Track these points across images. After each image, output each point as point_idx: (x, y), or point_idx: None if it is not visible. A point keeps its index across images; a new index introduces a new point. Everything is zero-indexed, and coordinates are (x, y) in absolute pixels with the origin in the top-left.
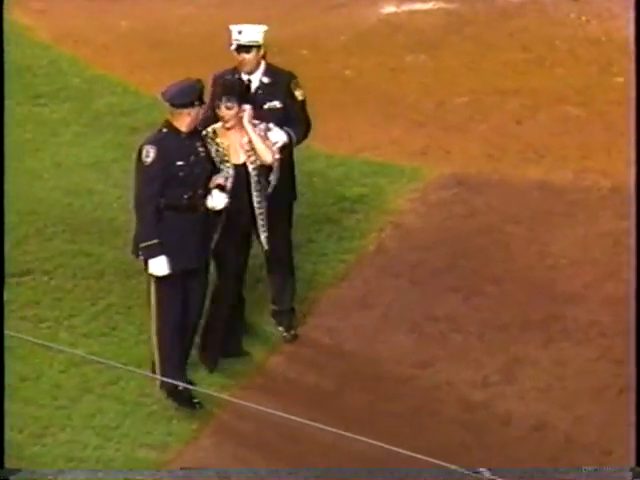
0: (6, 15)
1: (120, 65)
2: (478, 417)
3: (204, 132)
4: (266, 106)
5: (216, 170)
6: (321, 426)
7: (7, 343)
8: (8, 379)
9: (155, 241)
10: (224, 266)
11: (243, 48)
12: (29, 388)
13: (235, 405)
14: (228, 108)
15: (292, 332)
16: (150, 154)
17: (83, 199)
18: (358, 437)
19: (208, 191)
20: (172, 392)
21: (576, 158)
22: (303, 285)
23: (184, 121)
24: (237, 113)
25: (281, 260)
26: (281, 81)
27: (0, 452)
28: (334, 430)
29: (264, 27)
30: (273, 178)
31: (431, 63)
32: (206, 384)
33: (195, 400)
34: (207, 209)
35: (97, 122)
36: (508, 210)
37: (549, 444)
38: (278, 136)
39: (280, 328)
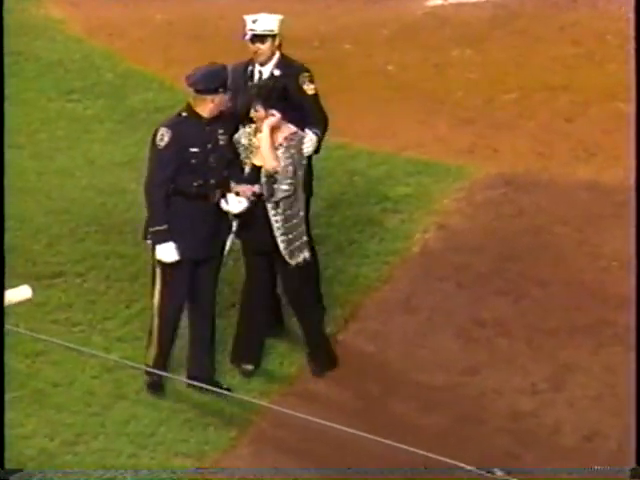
0: (38, 9)
1: (156, 60)
2: (526, 426)
3: (248, 126)
4: None
5: (237, 164)
6: (364, 434)
7: (39, 347)
8: (39, 384)
9: (164, 227)
10: (247, 267)
11: (258, 38)
12: (61, 394)
13: (275, 412)
14: (257, 111)
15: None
16: (165, 138)
17: (116, 198)
18: (401, 446)
19: (224, 187)
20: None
21: (627, 157)
22: (345, 288)
23: (206, 107)
24: (264, 117)
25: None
26: (292, 74)
27: (0, 452)
28: (377, 439)
29: (279, 16)
30: (279, 188)
31: (478, 58)
32: (244, 390)
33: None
34: (221, 197)
35: (131, 119)
36: (557, 210)
37: (601, 454)
38: (313, 144)
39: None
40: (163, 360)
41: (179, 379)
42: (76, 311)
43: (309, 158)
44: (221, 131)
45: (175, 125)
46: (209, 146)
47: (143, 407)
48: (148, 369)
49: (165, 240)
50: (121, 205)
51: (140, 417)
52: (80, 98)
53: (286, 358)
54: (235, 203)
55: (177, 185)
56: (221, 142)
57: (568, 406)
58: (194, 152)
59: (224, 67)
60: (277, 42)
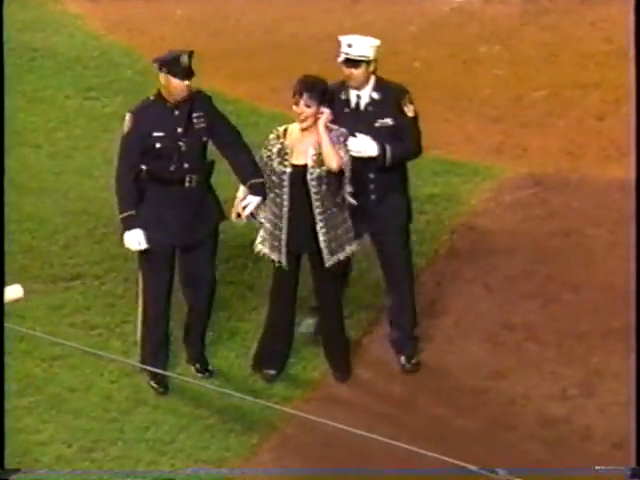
0: (55, 4)
1: None
2: (556, 432)
3: (275, 130)
4: (377, 124)
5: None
6: (390, 441)
7: (56, 352)
8: (56, 389)
9: (130, 212)
10: (277, 268)
11: (351, 62)
12: (79, 399)
13: (298, 418)
14: (307, 106)
15: (413, 361)
16: (127, 123)
17: None
18: (428, 453)
19: (200, 172)
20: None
21: None
22: (370, 291)
23: (168, 90)
24: (315, 113)
25: (397, 274)
26: (391, 97)
27: (0, 452)
28: (403, 445)
29: (377, 41)
30: (347, 188)
31: (506, 55)
32: (266, 395)
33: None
34: (197, 183)
35: None
36: (588, 211)
37: (631, 461)
38: (361, 145)
39: (401, 357)
40: (151, 351)
41: (173, 375)
42: (94, 314)
43: (404, 175)
44: (195, 114)
45: (138, 110)
46: (179, 130)
47: (163, 413)
48: (136, 364)
49: (132, 227)
50: None
51: (160, 423)
52: (99, 96)
53: (310, 362)
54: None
55: (151, 171)
56: (197, 126)
57: (599, 412)
58: (158, 136)
59: (191, 52)
60: (372, 68)
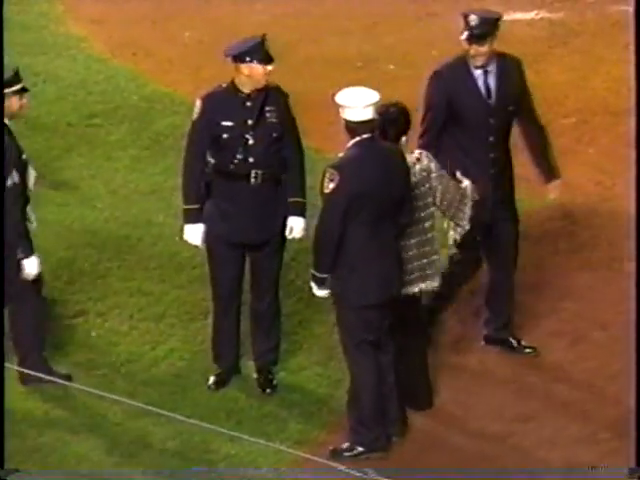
0: (58, 26)
1: (185, 81)
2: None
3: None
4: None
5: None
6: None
7: (58, 392)
8: (57, 432)
9: (194, 206)
10: None
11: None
12: (81, 442)
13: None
14: None
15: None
16: (196, 109)
17: (141, 231)
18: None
19: (267, 169)
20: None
21: None
22: None
23: (242, 79)
24: None
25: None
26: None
27: (0, 452)
28: None
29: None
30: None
31: (534, 79)
32: (280, 439)
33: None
34: (264, 180)
35: (157, 145)
36: (619, 245)
37: (632, 462)
38: None
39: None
40: (220, 341)
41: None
42: (98, 353)
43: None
44: (269, 108)
45: (209, 96)
46: (249, 122)
47: (169, 457)
48: (142, 405)
49: (193, 221)
50: (147, 239)
51: (166, 468)
52: (103, 122)
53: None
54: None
55: (216, 163)
56: (269, 120)
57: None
58: (226, 126)
59: (264, 37)
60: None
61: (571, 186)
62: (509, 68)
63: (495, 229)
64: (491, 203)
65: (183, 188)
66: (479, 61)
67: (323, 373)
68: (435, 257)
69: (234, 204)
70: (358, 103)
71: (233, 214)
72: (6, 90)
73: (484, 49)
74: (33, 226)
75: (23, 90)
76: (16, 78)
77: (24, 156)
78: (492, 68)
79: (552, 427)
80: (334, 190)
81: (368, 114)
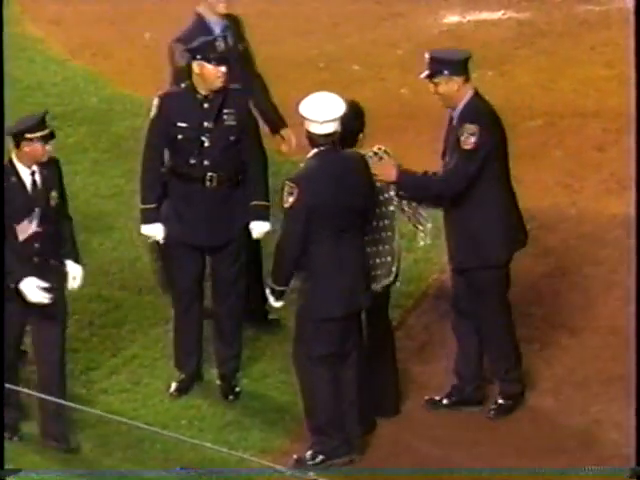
0: (15, 27)
1: (145, 83)
2: None
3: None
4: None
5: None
6: None
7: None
8: (14, 443)
9: (152, 206)
10: None
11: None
12: (39, 452)
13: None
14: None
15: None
16: (154, 108)
17: (102, 236)
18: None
19: (223, 171)
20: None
21: None
22: None
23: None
24: None
25: None
26: None
27: (0, 452)
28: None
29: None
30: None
31: (500, 81)
32: (242, 447)
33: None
34: (219, 183)
35: (118, 148)
36: (587, 250)
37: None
38: None
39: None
40: (181, 343)
41: None
42: None
43: None
44: (227, 110)
45: (166, 95)
46: (206, 124)
47: (130, 466)
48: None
49: (151, 221)
50: (107, 243)
51: (127, 478)
52: (61, 125)
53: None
54: None
55: (172, 164)
56: (227, 122)
57: (597, 465)
58: (182, 127)
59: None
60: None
61: (538, 189)
62: None
63: None
64: None
65: (141, 187)
66: None
67: (286, 380)
68: (389, 258)
69: (189, 206)
70: (320, 117)
71: (188, 216)
72: (31, 135)
73: None
74: None
75: (49, 137)
76: (42, 123)
77: None
78: None
79: (518, 435)
80: (293, 204)
81: (330, 128)
